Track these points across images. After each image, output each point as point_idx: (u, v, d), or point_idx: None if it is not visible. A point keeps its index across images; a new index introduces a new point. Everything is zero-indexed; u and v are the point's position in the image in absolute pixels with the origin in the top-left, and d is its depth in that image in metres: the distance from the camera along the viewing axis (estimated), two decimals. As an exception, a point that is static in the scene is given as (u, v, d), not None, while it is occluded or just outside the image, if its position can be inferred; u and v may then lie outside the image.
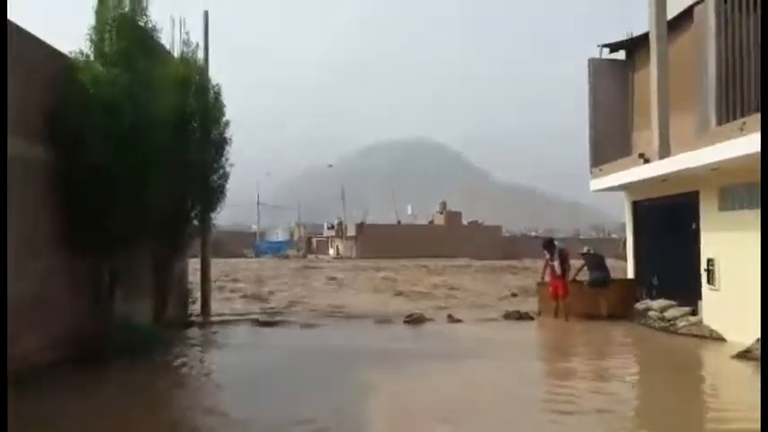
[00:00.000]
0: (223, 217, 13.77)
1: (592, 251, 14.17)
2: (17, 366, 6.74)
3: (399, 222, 66.95)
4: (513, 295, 17.78)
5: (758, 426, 5.79)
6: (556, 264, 13.30)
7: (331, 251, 65.28)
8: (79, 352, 8.14)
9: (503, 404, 6.61)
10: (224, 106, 11.75)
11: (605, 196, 15.92)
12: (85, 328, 8.51)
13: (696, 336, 10.61)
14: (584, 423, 5.95)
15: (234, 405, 6.60)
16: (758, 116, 8.20)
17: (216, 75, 12.36)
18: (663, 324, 11.47)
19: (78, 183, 8.11)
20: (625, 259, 15.87)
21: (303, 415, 6.02)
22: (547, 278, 13.65)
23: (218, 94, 11.74)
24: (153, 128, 8.83)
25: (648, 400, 7.25)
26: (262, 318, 12.98)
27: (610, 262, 14.07)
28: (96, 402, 6.62)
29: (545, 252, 13.75)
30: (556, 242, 14.39)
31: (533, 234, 78.36)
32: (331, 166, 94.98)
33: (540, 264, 14.82)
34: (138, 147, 8.36)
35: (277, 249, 64.60)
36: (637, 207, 14.10)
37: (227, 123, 11.82)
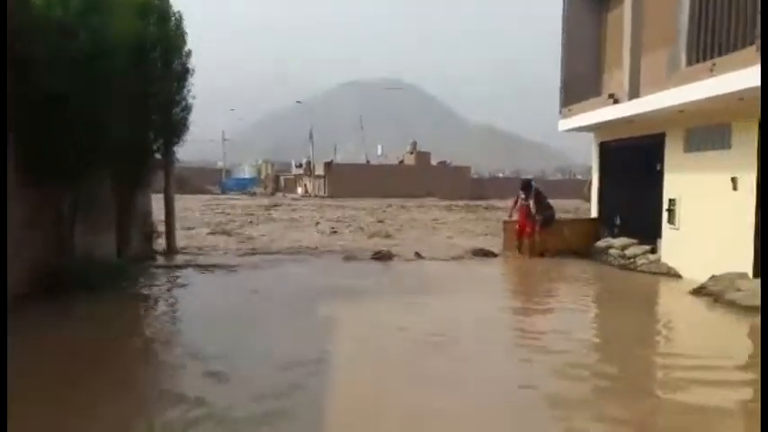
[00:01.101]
0: (189, 153, 13.46)
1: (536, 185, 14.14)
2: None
3: (368, 162, 66.52)
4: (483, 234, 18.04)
5: (710, 358, 6.09)
6: (531, 203, 13.46)
7: (299, 189, 64.76)
8: (42, 285, 8.02)
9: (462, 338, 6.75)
10: (185, 34, 11.27)
11: (572, 139, 16.09)
12: (47, 262, 8.35)
13: (654, 273, 10.94)
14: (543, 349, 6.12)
15: (195, 336, 6.60)
16: (729, 58, 8.21)
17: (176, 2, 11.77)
18: (623, 261, 11.79)
19: (33, 110, 7.76)
20: (589, 200, 16.17)
21: (263, 343, 6.07)
22: (515, 216, 13.87)
23: (179, 21, 11.23)
24: (110, 54, 8.41)
25: (604, 331, 7.49)
26: (227, 253, 12.91)
27: (574, 203, 14.31)
28: (62, 333, 6.55)
29: (520, 192, 13.79)
30: (533, 183, 14.37)
31: (500, 175, 78.96)
32: (299, 102, 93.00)
33: (509, 203, 14.91)
34: (93, 73, 7.99)
35: (243, 186, 64.00)
36: (604, 148, 14.21)
37: (188, 53, 11.39)
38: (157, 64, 10.66)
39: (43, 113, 7.85)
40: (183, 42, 11.25)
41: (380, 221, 23.16)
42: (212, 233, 17.38)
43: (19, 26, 7.69)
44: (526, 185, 14.04)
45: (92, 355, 5.84)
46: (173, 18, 11.20)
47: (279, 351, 5.93)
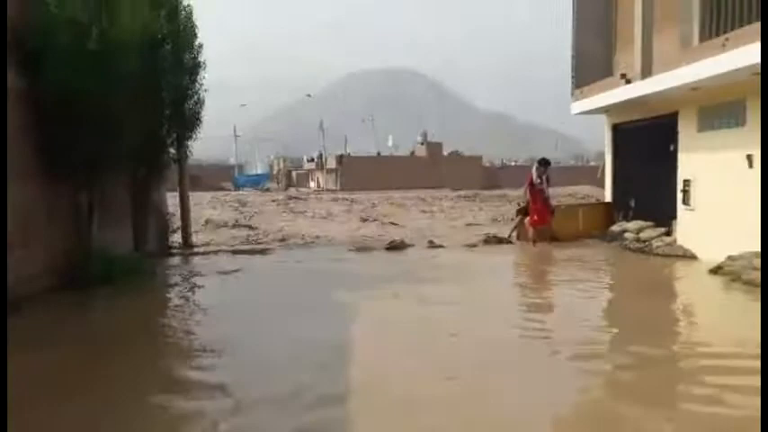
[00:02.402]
0: (200, 150, 13.56)
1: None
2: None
3: (378, 154, 66.46)
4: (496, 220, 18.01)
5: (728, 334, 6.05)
6: (545, 187, 12.83)
7: (312, 184, 64.94)
8: (60, 281, 8.14)
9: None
10: (196, 28, 11.31)
11: (586, 125, 15.88)
12: (66, 257, 8.47)
13: (670, 255, 10.86)
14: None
15: (215, 329, 6.69)
16: (742, 31, 8.11)
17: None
18: (638, 245, 11.71)
19: (48, 107, 7.87)
20: (602, 186, 16.04)
21: (285, 331, 6.14)
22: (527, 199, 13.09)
23: (189, 15, 11.27)
24: (122, 50, 8.48)
25: (625, 313, 7.47)
26: (246, 247, 13.00)
27: (586, 189, 14.17)
28: (82, 328, 6.68)
29: (534, 172, 12.97)
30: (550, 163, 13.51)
31: (513, 164, 78.52)
32: (310, 95, 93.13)
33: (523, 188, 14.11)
34: (106, 69, 8.07)
35: (256, 182, 64.26)
36: (617, 130, 14.10)
37: (200, 47, 11.43)
38: (169, 58, 10.72)
39: (58, 111, 7.93)
40: (194, 36, 11.30)
41: (388, 215, 23.18)
42: (233, 226, 17.48)
43: (32, 23, 7.80)
44: (544, 164, 13.24)
45: (108, 347, 5.95)
46: (183, 11, 11.24)
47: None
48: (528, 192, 13.12)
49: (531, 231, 12.89)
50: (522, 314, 7.28)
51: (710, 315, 7.36)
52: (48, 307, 7.36)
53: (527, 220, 13.13)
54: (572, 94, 14.36)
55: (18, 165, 7.58)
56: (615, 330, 6.55)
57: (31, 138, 7.89)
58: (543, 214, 12.86)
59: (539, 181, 12.88)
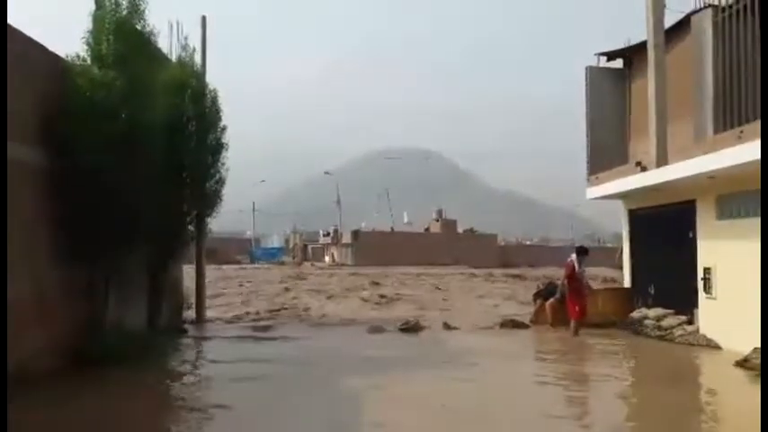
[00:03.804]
0: (217, 223, 13.72)
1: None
2: (15, 372, 6.68)
3: (392, 230, 66.79)
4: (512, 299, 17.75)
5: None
6: (585, 276, 12.30)
7: (327, 258, 65.03)
8: (74, 358, 8.05)
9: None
10: (220, 111, 11.73)
11: (601, 206, 15.88)
12: (80, 334, 8.42)
13: (693, 344, 10.56)
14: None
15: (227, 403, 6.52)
16: (756, 125, 8.21)
17: (213, 79, 12.36)
18: (659, 333, 11.42)
19: (73, 188, 8.04)
20: (620, 268, 15.84)
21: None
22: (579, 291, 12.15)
23: (214, 98, 11.71)
24: (149, 132, 8.77)
25: (648, 407, 7.19)
26: (256, 326, 12.88)
27: (607, 271, 13.96)
28: (93, 410, 6.53)
29: (574, 261, 12.31)
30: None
31: (528, 243, 78.34)
32: (328, 173, 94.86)
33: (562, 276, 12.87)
34: (133, 151, 8.31)
35: (272, 256, 64.49)
36: (633, 216, 14.08)
37: (223, 128, 11.80)
38: (192, 139, 11.05)
39: (79, 190, 8.06)
40: (219, 118, 11.68)
41: (401, 293, 22.96)
42: (241, 302, 17.40)
43: (64, 107, 8.10)
44: (583, 252, 12.82)
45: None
46: (208, 95, 11.69)
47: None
48: (568, 282, 12.34)
49: (572, 324, 12.06)
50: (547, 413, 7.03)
51: (739, 413, 7.05)
52: (54, 389, 7.22)
53: (568, 309, 12.29)
54: (587, 180, 14.46)
55: (36, 241, 7.71)
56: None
57: (50, 215, 8.02)
58: (585, 306, 12.20)
59: (581, 271, 12.31)
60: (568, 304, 12.28)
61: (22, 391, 6.15)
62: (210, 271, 15.71)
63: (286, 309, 16.19)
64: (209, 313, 13.71)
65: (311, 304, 17.59)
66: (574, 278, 12.21)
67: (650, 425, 6.34)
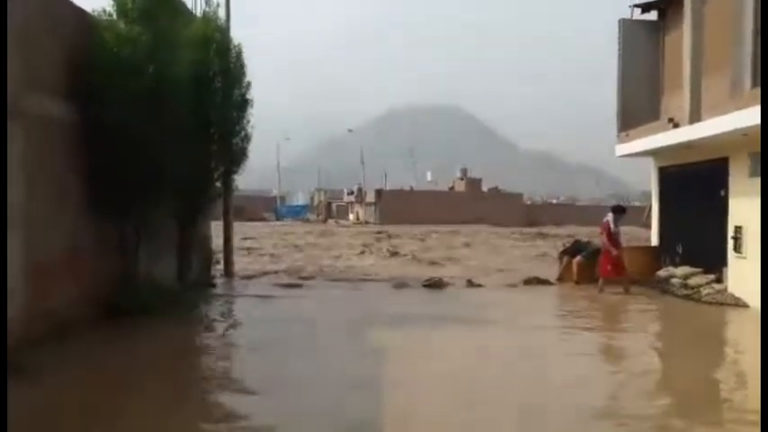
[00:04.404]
0: (244, 181, 13.80)
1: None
2: (50, 320, 6.95)
3: (412, 188, 66.51)
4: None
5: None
6: (621, 235, 12.16)
7: (351, 216, 65.25)
8: (106, 309, 8.31)
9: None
10: (245, 66, 11.64)
11: (629, 165, 15.60)
12: (112, 287, 8.65)
13: (720, 303, 10.47)
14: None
15: (253, 365, 6.71)
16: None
17: (237, 34, 12.26)
18: (686, 291, 11.32)
19: (102, 141, 8.12)
20: (648, 227, 15.64)
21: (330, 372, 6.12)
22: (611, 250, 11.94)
23: (239, 53, 11.63)
24: (175, 87, 8.79)
25: (674, 368, 7.20)
26: (283, 282, 13.09)
27: (634, 230, 13.79)
28: (127, 357, 6.79)
29: (610, 219, 12.14)
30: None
31: (554, 201, 77.58)
32: (351, 131, 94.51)
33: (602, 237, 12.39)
34: (160, 106, 8.35)
35: (297, 213, 65.09)
36: (663, 173, 13.82)
37: (248, 84, 11.73)
38: (218, 95, 11.03)
39: (108, 144, 8.13)
40: (243, 74, 11.61)
41: (428, 248, 23.04)
42: (267, 256, 17.67)
43: (91, 62, 8.15)
44: (620, 211, 12.65)
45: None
46: (233, 50, 11.60)
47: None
48: (606, 240, 12.10)
49: (600, 281, 12.05)
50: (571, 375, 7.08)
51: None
52: (93, 334, 7.51)
53: (599, 269, 12.22)
54: (617, 137, 14.18)
55: (67, 195, 7.87)
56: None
57: (79, 169, 8.13)
58: (621, 265, 12.02)
59: (617, 230, 12.15)
60: (601, 262, 12.23)
61: (60, 338, 6.42)
62: (237, 227, 15.98)
63: (312, 264, 16.41)
64: (237, 268, 13.95)
65: (337, 260, 17.82)
66: (610, 237, 12.06)
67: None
